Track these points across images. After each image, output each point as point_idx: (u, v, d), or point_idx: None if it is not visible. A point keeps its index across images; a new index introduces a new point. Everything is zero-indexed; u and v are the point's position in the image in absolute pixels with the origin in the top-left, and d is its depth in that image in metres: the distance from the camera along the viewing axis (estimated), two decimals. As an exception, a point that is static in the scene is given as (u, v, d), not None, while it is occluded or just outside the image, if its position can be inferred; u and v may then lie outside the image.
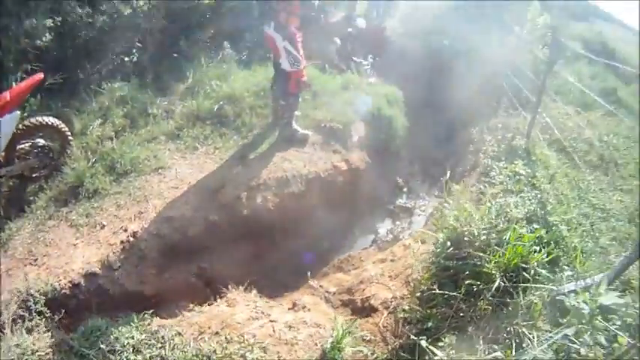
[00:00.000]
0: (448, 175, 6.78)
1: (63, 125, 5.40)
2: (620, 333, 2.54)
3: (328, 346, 3.36)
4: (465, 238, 3.73)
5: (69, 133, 5.49)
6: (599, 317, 2.65)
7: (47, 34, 6.16)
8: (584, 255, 3.67)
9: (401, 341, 3.67)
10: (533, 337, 2.88)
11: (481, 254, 3.52)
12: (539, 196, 4.74)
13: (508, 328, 3.07)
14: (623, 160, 6.33)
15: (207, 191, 4.99)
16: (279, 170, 5.51)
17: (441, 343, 3.20)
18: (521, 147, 6.08)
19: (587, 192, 5.15)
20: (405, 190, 7.64)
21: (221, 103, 6.44)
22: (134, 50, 7.41)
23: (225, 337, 3.41)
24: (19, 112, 4.76)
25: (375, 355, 3.59)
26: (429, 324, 3.52)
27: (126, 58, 7.27)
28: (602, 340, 2.59)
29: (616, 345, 2.49)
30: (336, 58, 9.06)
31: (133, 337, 3.26)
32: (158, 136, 5.95)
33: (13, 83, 5.36)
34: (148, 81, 6.98)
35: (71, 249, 4.29)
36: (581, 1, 25.30)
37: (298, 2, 5.58)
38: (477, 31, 10.22)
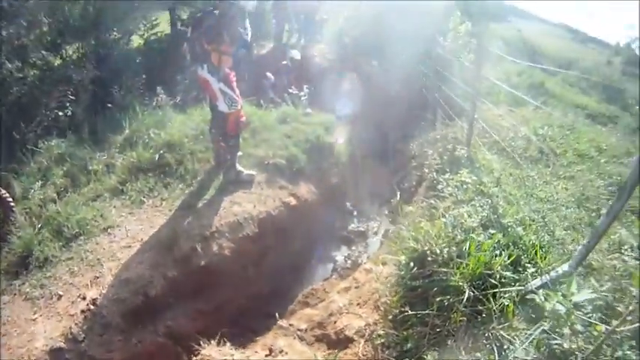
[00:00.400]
0: (398, 195, 7.05)
1: (3, 191, 5.30)
2: (596, 322, 2.68)
3: None
4: (428, 258, 3.83)
5: (10, 199, 5.35)
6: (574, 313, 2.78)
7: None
8: (543, 250, 3.76)
9: None
10: (513, 338, 2.98)
11: (445, 269, 3.63)
12: (489, 201, 4.84)
13: (486, 334, 3.16)
14: (561, 148, 6.60)
15: (161, 247, 4.95)
16: (229, 215, 5.53)
17: None
18: (464, 156, 6.26)
19: (533, 188, 5.28)
20: (355, 214, 7.84)
21: (161, 151, 6.38)
22: (67, 104, 7.29)
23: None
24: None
25: None
26: (409, 345, 3.60)
27: (60, 113, 7.15)
28: (579, 327, 2.72)
29: (595, 332, 2.64)
30: (271, 92, 9.23)
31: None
32: (102, 194, 5.87)
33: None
34: (84, 136, 6.88)
35: (31, 325, 4.18)
36: (499, 2, 26.64)
37: (229, 41, 5.58)
38: (403, 47, 10.59)
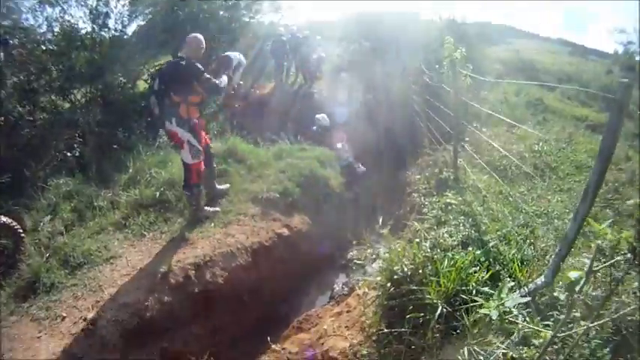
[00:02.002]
0: (381, 221, 7.31)
1: (15, 223, 5.62)
2: (540, 328, 2.66)
3: None
4: (399, 276, 3.93)
5: (21, 231, 5.68)
6: (506, 320, 2.85)
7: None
8: (525, 263, 3.82)
9: None
10: (488, 352, 2.96)
11: (420, 287, 3.71)
12: (470, 220, 4.96)
13: (461, 350, 3.14)
14: (557, 162, 6.76)
15: (157, 274, 5.25)
16: (223, 246, 5.88)
17: None
18: (450, 178, 6.50)
19: (522, 203, 5.33)
20: (354, 242, 8.10)
21: (162, 189, 6.82)
22: (75, 145, 7.74)
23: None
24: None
25: None
26: None
27: (68, 153, 7.60)
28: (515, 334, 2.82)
29: (540, 340, 2.61)
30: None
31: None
32: (106, 227, 6.22)
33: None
34: (91, 174, 7.28)
35: (35, 342, 4.46)
36: (496, 24, 27.21)
37: (196, 94, 5.80)
38: (396, 78, 11.06)
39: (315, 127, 10.35)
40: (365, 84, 12.44)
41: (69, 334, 4.57)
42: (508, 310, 2.87)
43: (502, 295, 2.89)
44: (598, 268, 2.24)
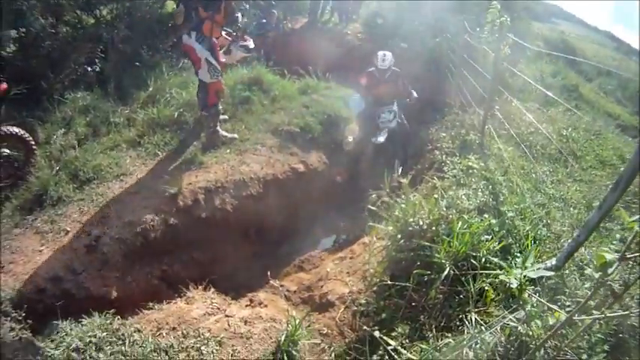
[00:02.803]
0: (400, 171, 7.06)
1: (27, 135, 5.54)
2: (555, 307, 2.55)
3: (282, 339, 3.52)
4: (413, 229, 3.82)
5: (33, 143, 5.62)
6: (528, 290, 2.74)
7: (11, 45, 6.31)
8: (537, 242, 3.71)
9: (357, 334, 3.79)
10: (486, 324, 2.92)
11: (431, 245, 3.61)
12: (490, 187, 4.79)
13: (460, 316, 3.15)
14: (583, 152, 6.48)
15: (166, 195, 5.16)
16: (236, 173, 5.74)
17: (394, 333, 3.31)
18: (475, 142, 6.24)
19: (543, 183, 5.17)
20: (366, 189, 7.87)
21: (181, 110, 6.66)
22: (96, 60, 7.57)
23: (182, 332, 3.63)
24: (-18, 122, 4.93)
25: (331, 348, 3.73)
26: (384, 315, 3.64)
27: (89, 68, 7.43)
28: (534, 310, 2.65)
29: (553, 319, 2.48)
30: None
31: (95, 336, 3.42)
32: (120, 144, 6.12)
33: (-23, 95, 5.51)
34: (110, 90, 7.12)
35: (37, 255, 4.44)
36: (544, 2, 25.96)
37: (222, 14, 5.68)
38: (434, 33, 10.57)
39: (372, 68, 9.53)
40: (401, 33, 11.95)
41: (71, 249, 4.52)
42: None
43: (527, 265, 2.72)
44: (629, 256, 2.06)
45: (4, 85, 5.43)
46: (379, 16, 13.23)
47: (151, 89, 7.21)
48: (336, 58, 11.01)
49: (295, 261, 5.91)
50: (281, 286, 5.14)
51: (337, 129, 7.51)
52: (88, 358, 3.26)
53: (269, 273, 5.14)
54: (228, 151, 6.15)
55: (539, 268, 2.76)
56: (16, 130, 5.43)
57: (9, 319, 3.72)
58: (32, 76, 6.66)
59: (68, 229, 4.76)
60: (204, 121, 6.23)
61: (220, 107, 6.25)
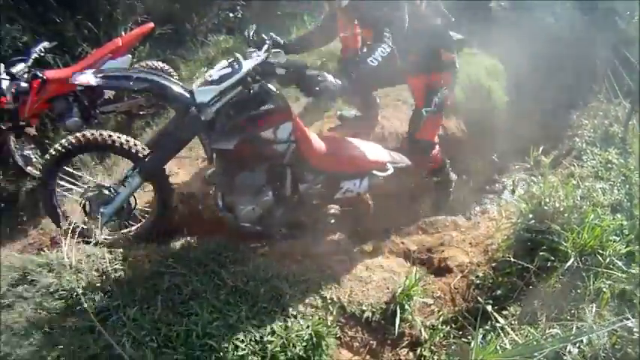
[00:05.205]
0: (541, 150, 6.70)
1: (171, 70, 5.78)
2: None
3: (399, 291, 3.48)
4: (547, 210, 3.74)
5: (177, 78, 5.78)
6: None
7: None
8: None
9: (469, 304, 3.73)
10: (595, 324, 2.85)
11: (560, 230, 3.51)
12: (627, 187, 4.60)
13: (572, 311, 3.06)
14: None
15: None
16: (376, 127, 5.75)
17: (505, 312, 3.29)
18: (618, 136, 5.94)
19: None
20: (498, 165, 7.56)
21: (324, 59, 6.63)
22: (238, 7, 7.77)
23: (306, 266, 3.65)
24: (130, 56, 5.25)
25: (440, 312, 3.67)
26: (499, 292, 3.57)
27: (231, 14, 7.61)
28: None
29: None
30: None
31: (220, 254, 3.52)
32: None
33: (123, 32, 5.83)
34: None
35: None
36: None
37: None
38: (589, 7, 9.87)
39: None
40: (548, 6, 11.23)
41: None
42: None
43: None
44: None
45: (151, 25, 5.73)
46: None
47: (293, 36, 7.18)
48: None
49: (419, 222, 5.61)
50: (402, 243, 4.95)
51: (479, 95, 7.26)
52: (209, 271, 3.31)
53: (392, 229, 5.06)
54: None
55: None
56: (160, 64, 5.71)
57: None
58: (176, 19, 7.01)
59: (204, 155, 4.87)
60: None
61: None
